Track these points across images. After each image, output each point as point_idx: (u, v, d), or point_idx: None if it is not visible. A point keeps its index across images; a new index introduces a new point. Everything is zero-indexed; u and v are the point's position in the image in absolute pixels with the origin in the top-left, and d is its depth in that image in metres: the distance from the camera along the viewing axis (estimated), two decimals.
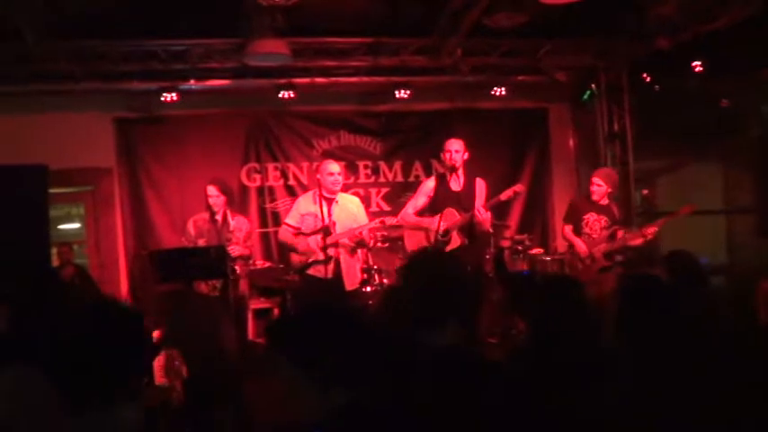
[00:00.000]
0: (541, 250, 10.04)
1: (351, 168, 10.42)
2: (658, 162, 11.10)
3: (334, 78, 9.79)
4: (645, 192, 11.05)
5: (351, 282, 7.86)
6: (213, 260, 7.45)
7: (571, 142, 11.32)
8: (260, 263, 9.73)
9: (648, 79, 10.14)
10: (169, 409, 5.95)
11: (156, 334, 7.94)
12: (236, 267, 7.98)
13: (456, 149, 7.97)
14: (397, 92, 10.00)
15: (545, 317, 3.48)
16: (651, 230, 8.25)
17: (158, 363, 6.49)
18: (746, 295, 4.97)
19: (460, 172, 8.02)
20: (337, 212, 7.93)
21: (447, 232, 7.84)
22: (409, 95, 10.04)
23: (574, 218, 8.63)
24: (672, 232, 8.98)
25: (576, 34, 9.58)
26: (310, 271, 7.84)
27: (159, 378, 6.42)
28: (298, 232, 8.04)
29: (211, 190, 8.07)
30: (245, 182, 10.37)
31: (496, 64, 9.91)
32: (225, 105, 10.16)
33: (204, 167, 9.70)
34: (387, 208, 10.48)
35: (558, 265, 9.70)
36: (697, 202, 8.93)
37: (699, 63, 9.27)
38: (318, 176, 8.00)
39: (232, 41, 8.93)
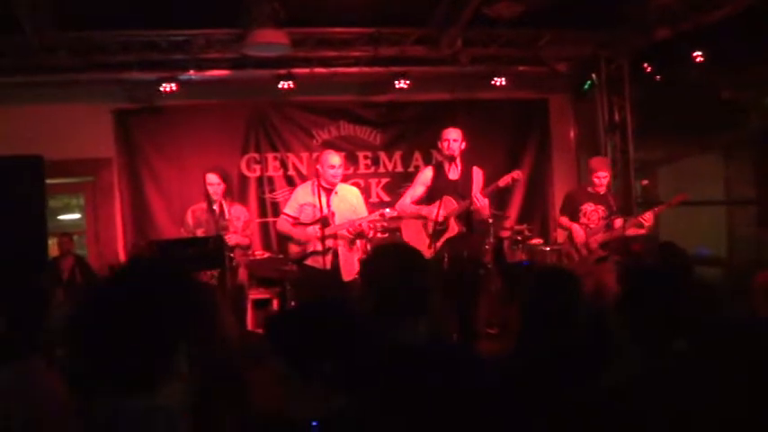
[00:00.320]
0: (541, 241, 10.04)
1: (351, 159, 10.41)
2: (659, 153, 11.08)
3: (333, 69, 9.78)
4: (644, 182, 11.03)
5: (349, 273, 7.85)
6: (211, 250, 7.45)
7: (571, 133, 11.31)
8: (259, 253, 9.74)
9: (649, 70, 10.11)
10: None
11: None
12: (233, 256, 7.98)
13: (454, 138, 7.96)
14: (396, 82, 9.99)
15: (538, 308, 3.48)
16: (647, 219, 8.21)
17: None
18: (746, 287, 4.97)
19: (458, 161, 8.01)
20: (336, 203, 7.92)
21: (444, 220, 7.84)
22: (409, 86, 10.03)
23: (570, 209, 8.61)
24: (671, 224, 8.99)
25: (577, 24, 9.56)
26: (308, 261, 7.84)
27: None
28: (296, 222, 8.04)
29: (212, 178, 8.05)
30: (245, 172, 10.37)
31: (496, 54, 9.90)
32: (224, 96, 10.15)
33: (204, 158, 9.66)
34: (387, 198, 10.46)
35: (557, 255, 9.68)
36: (697, 193, 8.92)
37: (700, 54, 9.22)
38: (318, 167, 7.98)
39: (232, 32, 8.94)
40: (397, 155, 10.79)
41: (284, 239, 8.58)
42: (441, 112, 10.41)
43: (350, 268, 7.87)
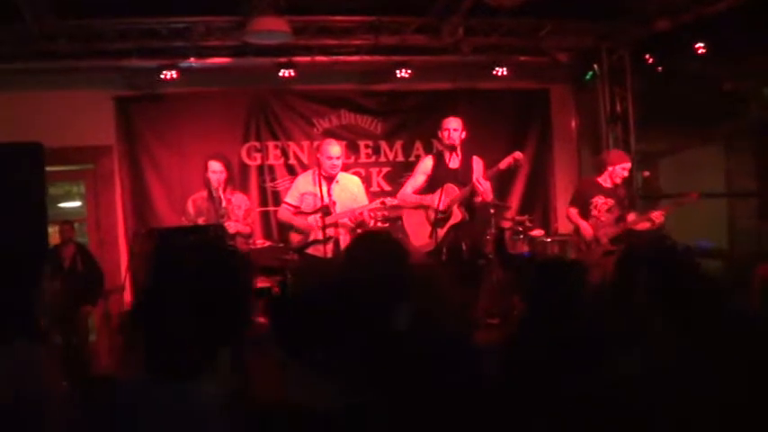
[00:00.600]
0: (542, 232, 10.01)
1: (351, 148, 10.39)
2: (660, 144, 11.06)
3: (334, 57, 9.76)
4: (645, 173, 11.00)
5: None
6: (212, 239, 7.45)
7: (573, 123, 11.29)
8: (260, 242, 9.72)
9: (651, 61, 10.10)
10: None
11: None
12: (234, 244, 7.98)
13: (454, 128, 7.99)
14: (398, 71, 9.96)
15: (539, 298, 3.47)
16: (657, 215, 8.24)
17: None
18: (747, 280, 4.96)
19: (458, 150, 8.02)
20: (337, 192, 7.95)
21: (448, 208, 7.85)
22: (410, 75, 10.00)
23: (581, 201, 8.61)
24: (672, 216, 8.97)
25: (578, 15, 9.54)
26: (309, 250, 7.86)
27: None
28: (297, 211, 8.06)
29: (215, 165, 8.04)
30: (246, 160, 10.34)
31: (498, 44, 9.88)
32: (225, 83, 10.11)
33: (204, 145, 9.63)
34: (388, 188, 10.44)
35: (558, 246, 9.68)
36: (698, 184, 8.93)
37: (701, 45, 9.21)
38: (318, 156, 8.01)
39: (233, 19, 8.91)
40: (398, 144, 10.76)
41: (285, 228, 8.59)
42: (442, 102, 10.37)
43: None
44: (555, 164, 11.29)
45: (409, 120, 10.79)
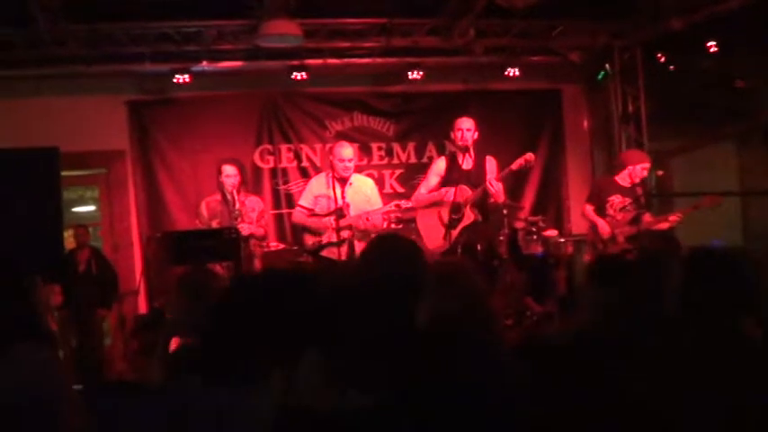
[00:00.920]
0: (556, 232, 9.99)
1: (364, 150, 10.38)
2: (672, 143, 11.03)
3: (346, 60, 9.76)
4: (659, 173, 10.99)
5: None
6: (226, 242, 7.48)
7: (585, 123, 11.26)
8: (274, 244, 9.73)
9: (663, 60, 10.09)
10: None
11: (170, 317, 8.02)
12: (248, 246, 8.02)
13: (467, 128, 7.99)
14: (410, 73, 9.95)
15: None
16: (675, 218, 8.26)
17: None
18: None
19: (471, 151, 8.03)
20: (351, 194, 7.97)
21: (459, 208, 7.85)
22: (422, 76, 9.99)
23: (598, 199, 8.63)
24: (686, 216, 8.96)
25: (590, 15, 9.53)
26: (324, 253, 7.87)
27: None
28: (311, 214, 8.09)
29: (229, 169, 8.08)
30: (259, 163, 10.35)
31: (509, 45, 9.89)
32: (237, 87, 10.13)
33: (217, 149, 9.67)
34: (400, 189, 10.43)
35: (573, 246, 9.68)
36: (712, 183, 8.93)
37: (713, 43, 9.21)
38: (331, 158, 8.04)
39: (245, 23, 8.92)
40: (411, 146, 10.75)
41: (299, 231, 8.61)
42: (454, 103, 10.32)
43: None
44: (567, 164, 11.26)
45: (421, 121, 10.77)
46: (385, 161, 10.69)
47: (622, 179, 8.61)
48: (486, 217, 8.11)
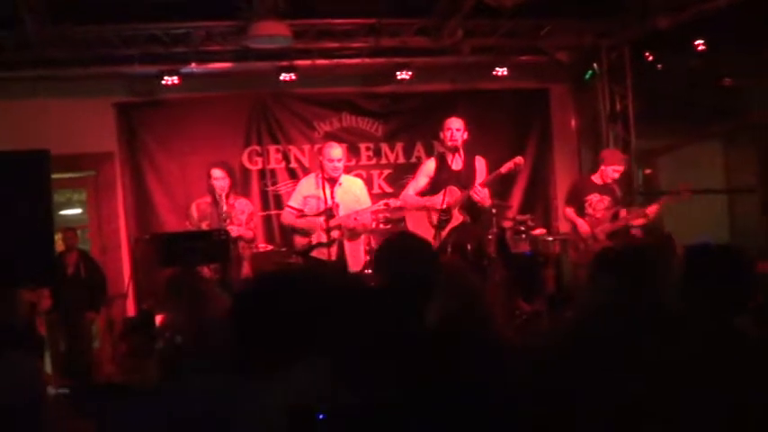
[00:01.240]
0: (544, 231, 10.03)
1: (352, 150, 10.37)
2: (660, 141, 11.07)
3: (335, 60, 9.74)
4: (647, 171, 11.04)
5: (355, 264, 7.89)
6: (216, 243, 7.47)
7: (573, 122, 11.28)
8: (262, 246, 9.72)
9: (650, 58, 10.12)
10: None
11: (158, 318, 7.99)
12: (237, 248, 8.01)
13: (457, 128, 8.00)
14: (398, 73, 9.95)
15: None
16: (652, 210, 8.34)
17: None
18: None
19: (461, 151, 8.04)
20: (340, 194, 7.98)
21: (448, 210, 7.87)
22: (411, 76, 10.00)
23: (577, 200, 8.70)
24: (673, 212, 9.00)
25: (578, 14, 9.56)
26: (314, 253, 7.87)
27: None
28: (301, 214, 8.08)
29: (217, 173, 8.08)
30: (247, 164, 10.33)
31: (497, 44, 9.89)
32: (226, 88, 10.12)
33: (206, 150, 9.67)
34: (389, 189, 10.42)
35: (560, 245, 9.71)
36: (699, 181, 8.96)
37: (701, 42, 9.24)
38: (320, 159, 8.04)
39: (233, 24, 8.90)
40: (399, 146, 10.75)
41: (289, 232, 8.61)
42: (442, 103, 10.34)
43: (356, 259, 7.95)
44: (555, 163, 11.29)
45: (410, 121, 10.77)
46: (373, 161, 10.69)
47: (597, 178, 8.68)
48: (475, 218, 8.13)
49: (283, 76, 9.64)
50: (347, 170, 8.57)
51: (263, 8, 8.33)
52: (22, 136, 8.43)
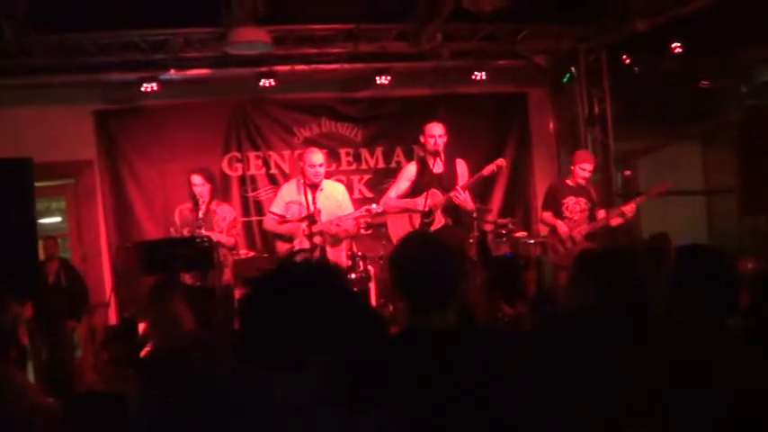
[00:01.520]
0: (525, 234, 10.08)
1: (332, 156, 10.36)
2: (638, 144, 11.15)
3: (314, 66, 9.75)
4: (627, 173, 11.12)
5: None
6: (199, 250, 7.46)
7: (551, 126, 11.32)
8: (243, 252, 9.70)
9: (628, 61, 10.18)
10: None
11: (141, 326, 7.96)
12: (218, 254, 7.99)
13: (439, 134, 8.02)
14: (377, 78, 9.96)
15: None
16: (629, 209, 8.43)
17: None
18: None
19: (442, 155, 8.06)
20: (322, 200, 7.98)
21: (430, 213, 7.89)
22: (390, 81, 10.00)
23: (553, 203, 8.78)
24: (652, 213, 9.08)
25: (556, 18, 9.60)
26: (297, 259, 7.86)
27: None
28: (283, 220, 8.07)
29: (196, 179, 8.07)
30: (227, 171, 10.31)
31: (476, 49, 9.92)
32: (205, 95, 10.09)
33: (185, 157, 9.65)
34: (369, 195, 10.43)
35: (541, 248, 9.76)
36: (677, 182, 9.03)
37: (678, 44, 9.31)
38: (301, 164, 8.05)
39: (212, 30, 8.89)
40: (379, 151, 10.77)
41: (271, 238, 8.60)
42: (421, 108, 10.35)
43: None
44: (534, 166, 11.34)
45: (389, 126, 10.79)
46: (353, 167, 10.70)
47: (571, 180, 8.76)
48: (456, 221, 8.15)
49: (263, 82, 9.63)
50: (327, 176, 8.58)
51: (242, 14, 8.32)
52: (0, 144, 8.38)
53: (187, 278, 7.94)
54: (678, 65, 9.70)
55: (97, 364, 9.06)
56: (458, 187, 7.88)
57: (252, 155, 10.39)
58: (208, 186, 8.12)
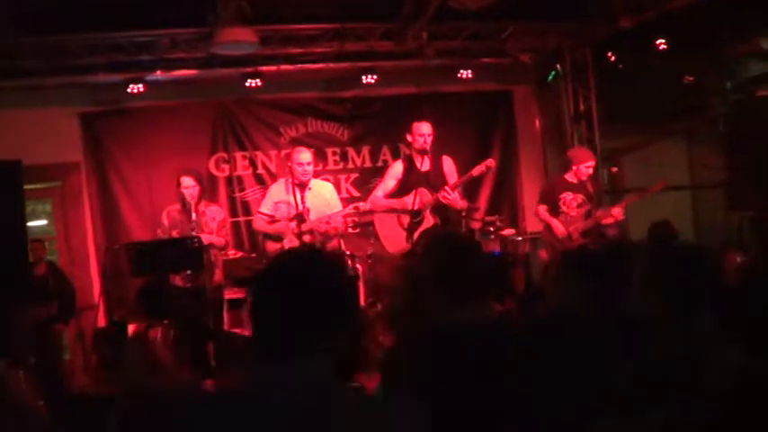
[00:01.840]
0: (513, 231, 10.11)
1: (319, 155, 10.33)
2: (624, 140, 11.19)
3: (300, 65, 9.75)
4: (613, 169, 11.17)
5: None
6: (189, 251, 7.46)
7: (537, 123, 11.36)
8: (232, 252, 9.69)
9: (612, 59, 10.22)
10: None
11: (131, 328, 7.96)
12: (209, 255, 7.99)
13: (428, 133, 8.04)
14: (363, 77, 9.97)
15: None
16: (618, 211, 8.48)
17: None
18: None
19: (429, 153, 8.08)
20: (310, 199, 8.00)
21: (419, 212, 7.91)
22: (375, 80, 10.01)
23: (550, 198, 8.77)
24: (639, 209, 9.11)
25: (541, 16, 9.63)
26: None
27: None
28: (272, 220, 8.08)
29: (187, 180, 8.06)
30: (214, 172, 10.30)
31: (461, 47, 9.93)
32: (192, 95, 10.07)
33: (172, 159, 9.64)
34: (356, 194, 10.43)
35: (530, 244, 9.80)
36: (664, 178, 9.06)
37: (662, 41, 9.35)
38: (289, 164, 8.05)
39: (198, 31, 8.88)
40: (365, 150, 10.78)
41: (261, 238, 8.60)
42: (407, 106, 10.34)
43: None
44: (521, 164, 11.36)
45: (375, 125, 10.81)
46: (340, 166, 10.70)
47: (571, 177, 8.77)
48: (446, 220, 8.17)
49: (249, 83, 9.63)
50: (315, 175, 8.58)
51: (228, 14, 8.30)
52: None
53: (177, 280, 7.94)
54: (663, 61, 9.74)
55: (88, 366, 9.04)
56: (446, 188, 7.90)
57: (239, 155, 10.39)
58: (198, 188, 8.11)
